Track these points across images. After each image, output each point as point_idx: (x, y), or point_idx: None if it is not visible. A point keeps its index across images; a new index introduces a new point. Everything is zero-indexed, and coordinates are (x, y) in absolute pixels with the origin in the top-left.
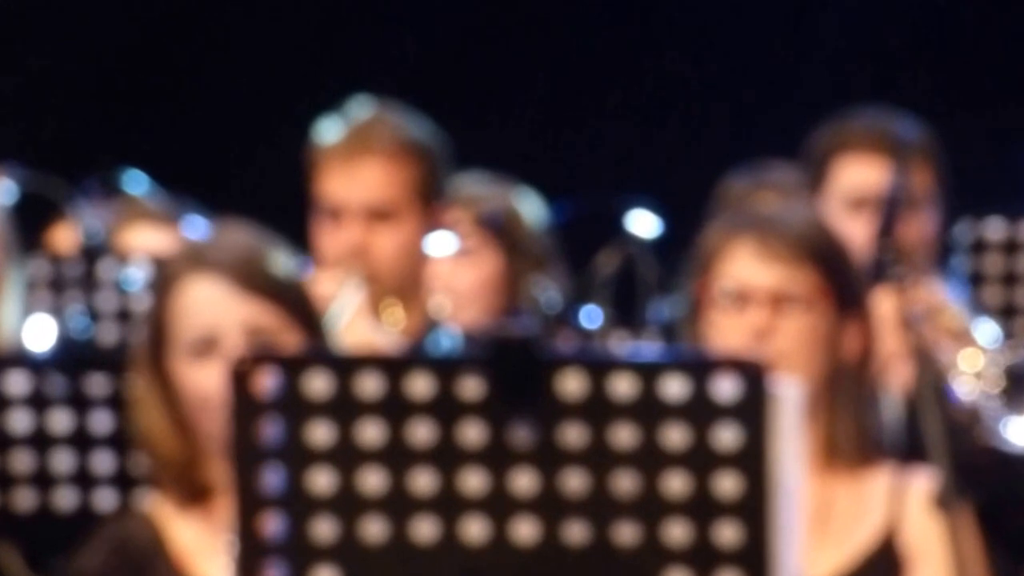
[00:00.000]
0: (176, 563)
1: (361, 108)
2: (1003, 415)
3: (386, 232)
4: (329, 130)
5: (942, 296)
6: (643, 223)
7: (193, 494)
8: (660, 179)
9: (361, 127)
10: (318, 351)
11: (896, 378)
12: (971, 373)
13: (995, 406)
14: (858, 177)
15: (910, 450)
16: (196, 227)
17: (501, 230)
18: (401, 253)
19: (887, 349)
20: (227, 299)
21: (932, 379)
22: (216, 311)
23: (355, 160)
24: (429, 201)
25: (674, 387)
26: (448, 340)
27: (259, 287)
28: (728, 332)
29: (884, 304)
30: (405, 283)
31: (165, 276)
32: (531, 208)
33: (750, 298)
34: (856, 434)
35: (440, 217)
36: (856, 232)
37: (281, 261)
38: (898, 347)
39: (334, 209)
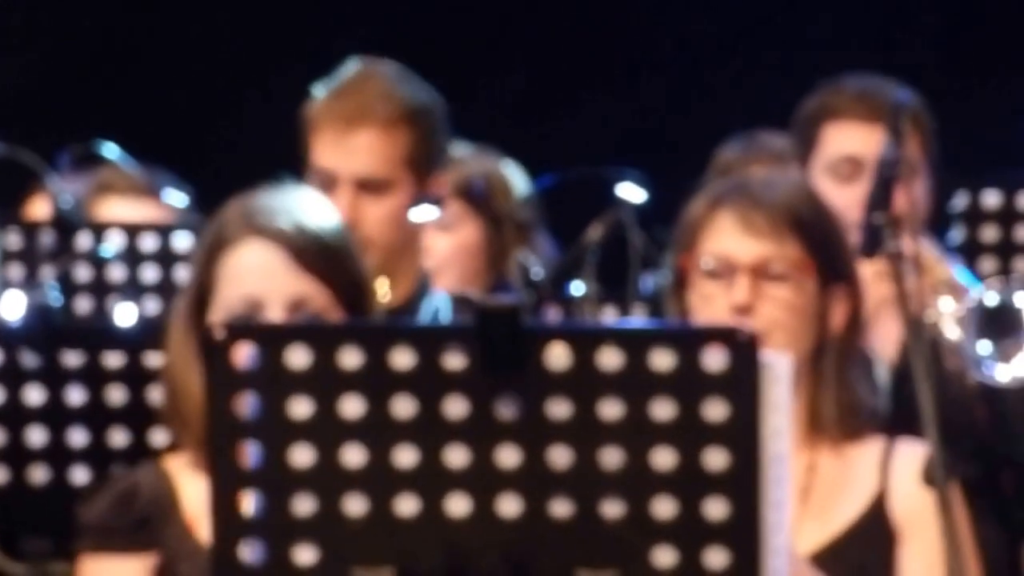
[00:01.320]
0: (188, 520)
1: (357, 70)
2: (992, 359)
3: (377, 203)
4: (324, 94)
5: (933, 253)
6: (632, 194)
7: None
8: (650, 150)
9: (356, 93)
10: (298, 324)
11: (883, 345)
12: (957, 319)
13: (984, 351)
14: (848, 144)
15: (897, 419)
16: (174, 199)
17: (482, 199)
18: (392, 224)
19: (875, 317)
20: (278, 269)
21: (925, 351)
22: (265, 280)
23: (348, 129)
24: (423, 170)
25: (662, 359)
26: (439, 307)
27: (312, 262)
28: (712, 305)
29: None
30: (395, 254)
31: (218, 236)
32: (514, 178)
33: (733, 271)
34: (843, 406)
35: (435, 186)
36: (846, 201)
37: (338, 237)
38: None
39: (325, 177)
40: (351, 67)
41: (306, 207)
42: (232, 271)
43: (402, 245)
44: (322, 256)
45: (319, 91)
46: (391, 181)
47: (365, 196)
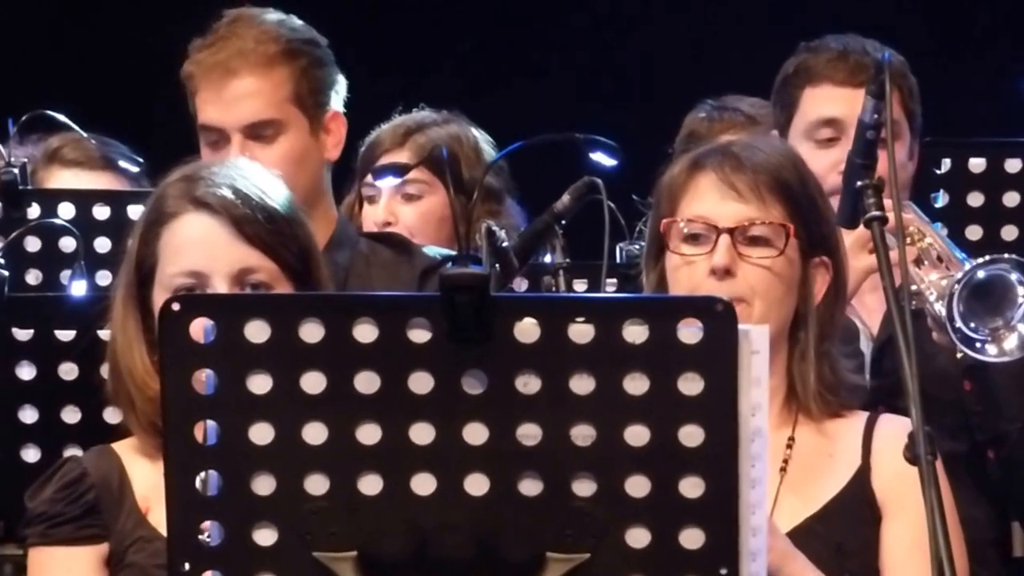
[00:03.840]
0: (137, 504)
1: (223, 20)
2: (979, 333)
3: (270, 148)
4: (195, 50)
5: (918, 220)
6: (603, 160)
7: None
8: (621, 114)
9: (225, 41)
10: (256, 296)
11: (865, 317)
12: (943, 290)
13: (971, 325)
14: (827, 107)
15: (879, 393)
16: (125, 170)
17: (449, 167)
18: (292, 168)
19: (856, 288)
20: (220, 241)
21: (909, 324)
22: (207, 253)
23: (224, 79)
24: (312, 106)
25: (635, 332)
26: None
27: (255, 232)
28: (690, 272)
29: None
30: (302, 199)
31: (158, 209)
32: (482, 145)
33: (714, 234)
34: (823, 380)
35: (328, 122)
36: (825, 166)
37: (283, 208)
38: (870, 286)
39: (213, 133)
40: (222, 17)
41: (247, 177)
42: (173, 245)
43: (308, 189)
44: (265, 226)
45: (191, 47)
46: (279, 122)
47: (256, 145)
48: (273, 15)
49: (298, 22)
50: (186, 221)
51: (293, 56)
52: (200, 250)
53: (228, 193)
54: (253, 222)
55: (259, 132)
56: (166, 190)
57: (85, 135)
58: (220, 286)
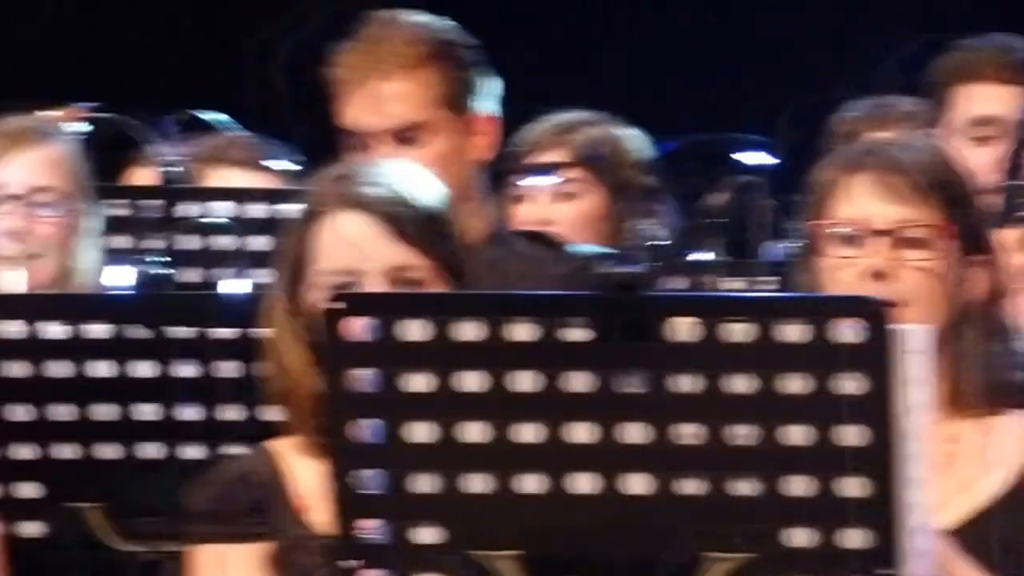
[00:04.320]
0: (295, 506)
1: (368, 22)
2: None
3: (420, 152)
4: (341, 54)
5: None
6: (756, 159)
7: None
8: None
9: (371, 44)
10: (415, 294)
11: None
12: None
13: None
14: (984, 105)
15: None
16: (282, 169)
17: (603, 166)
18: (443, 169)
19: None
20: (374, 239)
21: None
22: (361, 251)
23: (370, 83)
24: (460, 106)
25: (793, 331)
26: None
27: (409, 230)
28: (845, 274)
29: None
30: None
31: (310, 209)
32: (636, 144)
33: (868, 237)
34: (984, 380)
35: (479, 123)
36: (980, 164)
37: (437, 206)
38: None
39: (360, 138)
40: (366, 20)
41: (401, 176)
42: (326, 243)
43: (458, 191)
44: (419, 223)
45: (337, 51)
46: (427, 124)
47: (404, 148)
48: (421, 16)
49: (447, 23)
50: (339, 219)
51: (441, 58)
52: (353, 248)
53: (381, 191)
54: (406, 219)
55: (407, 135)
56: (320, 188)
57: (243, 134)
58: (374, 284)
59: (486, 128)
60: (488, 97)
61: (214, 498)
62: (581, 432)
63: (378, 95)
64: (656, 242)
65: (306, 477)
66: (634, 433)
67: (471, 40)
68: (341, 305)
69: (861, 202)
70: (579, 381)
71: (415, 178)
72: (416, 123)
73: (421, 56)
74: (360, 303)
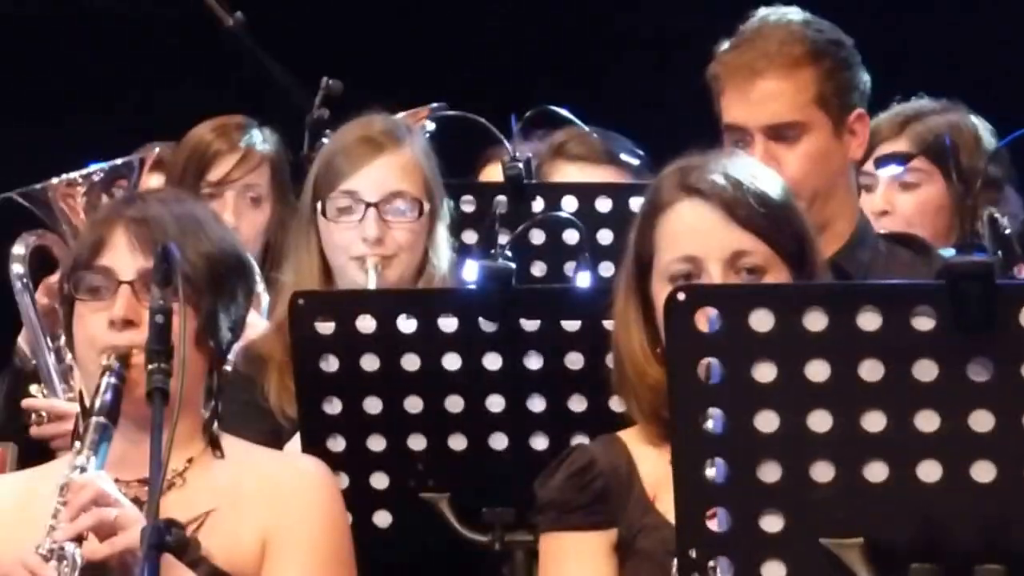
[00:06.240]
0: (645, 491)
1: (753, 20)
2: None
3: (792, 150)
4: (723, 51)
5: None
6: None
7: (667, 427)
8: None
9: (752, 42)
10: (760, 286)
11: None
12: None
13: None
14: None
15: None
16: (627, 163)
17: (949, 156)
18: (813, 168)
19: None
20: (714, 226)
21: None
22: (701, 238)
23: (749, 80)
24: (836, 108)
25: None
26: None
27: (748, 216)
28: None
29: None
30: (822, 199)
31: (654, 200)
32: (982, 132)
33: None
34: None
35: (853, 123)
36: None
37: (775, 195)
38: None
39: (737, 133)
40: (758, 18)
41: (740, 165)
42: (669, 233)
43: (828, 189)
44: (758, 210)
45: (721, 48)
46: (802, 123)
47: (779, 146)
48: (799, 15)
49: (824, 23)
50: (680, 208)
51: (818, 58)
52: (694, 236)
53: (719, 179)
54: (745, 206)
55: (782, 133)
56: (662, 181)
57: (588, 129)
58: (714, 270)
59: (858, 127)
60: (861, 97)
61: (561, 487)
62: (928, 421)
63: (754, 93)
64: (1004, 230)
65: (654, 466)
66: (982, 421)
67: (847, 39)
68: (682, 297)
69: None
70: (926, 370)
71: (754, 167)
72: (791, 122)
73: (797, 56)
74: (703, 294)
